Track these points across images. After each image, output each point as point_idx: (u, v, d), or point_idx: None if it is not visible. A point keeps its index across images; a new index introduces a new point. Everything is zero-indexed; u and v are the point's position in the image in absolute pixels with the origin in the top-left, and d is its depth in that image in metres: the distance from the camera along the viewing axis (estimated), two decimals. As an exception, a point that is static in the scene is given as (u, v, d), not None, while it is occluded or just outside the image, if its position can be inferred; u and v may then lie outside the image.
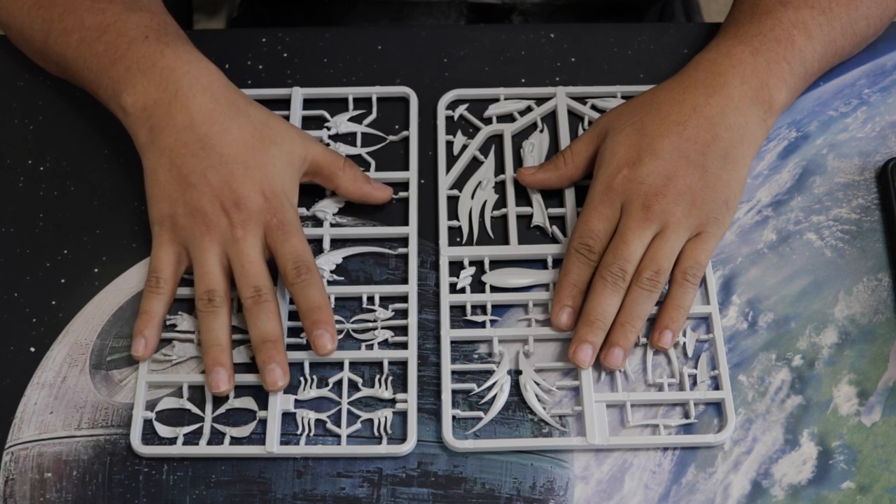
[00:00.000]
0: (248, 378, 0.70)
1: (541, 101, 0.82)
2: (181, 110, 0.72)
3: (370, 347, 0.72)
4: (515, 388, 0.71)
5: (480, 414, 0.70)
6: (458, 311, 0.74)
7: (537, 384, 0.71)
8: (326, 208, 0.77)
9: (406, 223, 0.77)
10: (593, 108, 0.82)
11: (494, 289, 0.74)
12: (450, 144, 0.81)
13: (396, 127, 0.82)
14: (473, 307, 0.74)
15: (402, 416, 0.70)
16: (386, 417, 0.70)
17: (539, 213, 0.77)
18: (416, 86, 0.83)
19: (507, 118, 0.82)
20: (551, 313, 0.72)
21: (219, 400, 0.70)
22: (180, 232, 0.72)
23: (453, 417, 0.70)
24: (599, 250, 0.72)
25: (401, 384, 0.71)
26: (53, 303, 0.74)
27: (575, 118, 0.82)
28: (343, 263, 0.76)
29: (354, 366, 0.72)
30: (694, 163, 0.72)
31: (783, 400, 0.71)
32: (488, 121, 0.82)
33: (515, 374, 0.72)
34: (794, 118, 0.82)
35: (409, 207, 0.77)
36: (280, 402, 0.70)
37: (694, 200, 0.71)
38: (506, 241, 0.76)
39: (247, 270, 0.70)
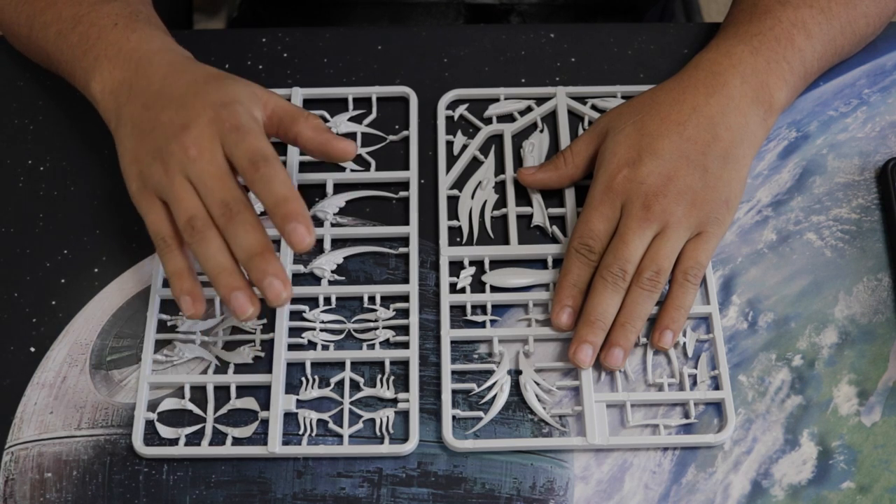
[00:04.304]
0: (250, 378, 0.70)
1: (541, 101, 0.82)
2: (141, 79, 0.71)
3: (371, 347, 0.72)
4: (515, 388, 0.71)
5: (480, 414, 0.70)
6: (458, 311, 0.74)
7: (537, 384, 0.71)
8: (326, 208, 0.77)
9: (406, 223, 0.77)
10: (593, 108, 0.81)
11: (494, 289, 0.74)
12: (450, 144, 0.81)
13: (396, 127, 0.82)
14: (473, 307, 0.74)
15: (404, 415, 0.70)
16: (388, 417, 0.70)
17: (539, 213, 0.77)
18: (416, 86, 0.82)
19: (507, 118, 0.82)
20: (551, 313, 0.72)
21: (220, 400, 0.70)
22: (150, 183, 0.68)
23: (453, 417, 0.70)
24: (600, 250, 0.72)
25: (402, 384, 0.71)
26: (53, 303, 0.74)
27: (575, 118, 0.82)
28: (343, 263, 0.75)
29: (356, 366, 0.72)
30: (694, 163, 0.72)
31: (783, 400, 0.71)
32: (488, 121, 0.82)
33: (515, 374, 0.72)
34: (794, 118, 0.82)
35: (409, 207, 0.77)
36: (282, 403, 0.70)
37: (694, 200, 0.71)
38: (506, 241, 0.76)
39: (210, 188, 0.65)
